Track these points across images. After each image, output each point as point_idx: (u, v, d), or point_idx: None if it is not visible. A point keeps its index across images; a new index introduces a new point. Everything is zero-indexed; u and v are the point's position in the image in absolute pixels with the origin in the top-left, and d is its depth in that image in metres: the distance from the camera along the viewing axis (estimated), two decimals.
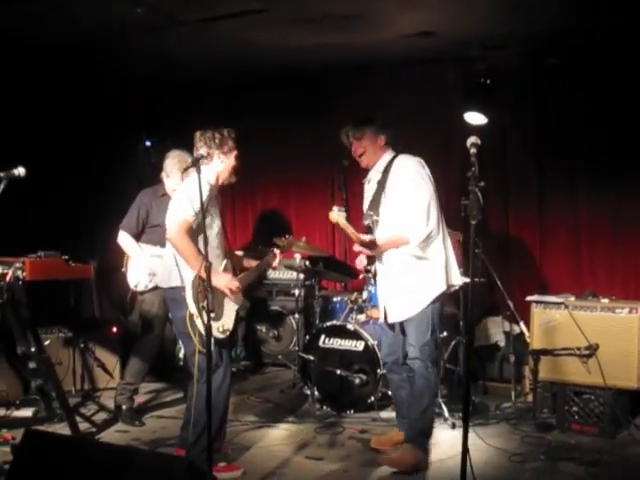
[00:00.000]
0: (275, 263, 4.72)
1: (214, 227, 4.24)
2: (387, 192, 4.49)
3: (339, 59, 6.70)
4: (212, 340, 3.72)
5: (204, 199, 3.79)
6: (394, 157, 4.58)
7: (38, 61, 6.45)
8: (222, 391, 4.23)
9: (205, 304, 3.74)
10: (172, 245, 4.15)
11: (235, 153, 4.38)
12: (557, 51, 6.27)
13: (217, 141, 4.30)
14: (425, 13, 5.56)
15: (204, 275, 3.73)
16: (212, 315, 3.76)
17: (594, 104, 6.27)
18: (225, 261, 4.26)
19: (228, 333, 4.19)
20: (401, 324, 4.53)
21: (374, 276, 4.65)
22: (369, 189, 4.68)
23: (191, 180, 4.09)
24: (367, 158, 4.63)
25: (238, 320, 4.52)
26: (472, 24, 5.75)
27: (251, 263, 4.65)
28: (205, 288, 3.77)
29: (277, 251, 4.72)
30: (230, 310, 4.25)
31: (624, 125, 6.14)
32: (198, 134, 4.35)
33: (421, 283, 4.42)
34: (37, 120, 6.99)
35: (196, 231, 4.07)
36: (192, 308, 4.00)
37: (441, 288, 4.46)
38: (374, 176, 4.64)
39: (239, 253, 4.90)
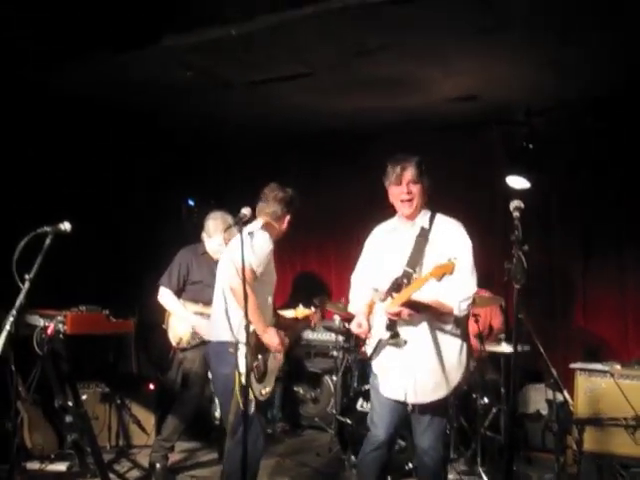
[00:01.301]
0: (315, 320, 4.67)
1: (269, 285, 4.26)
2: (438, 251, 3.90)
3: (384, 122, 6.78)
4: (253, 402, 3.78)
5: (268, 256, 4.00)
6: (433, 214, 4.15)
7: (91, 120, 6.64)
8: (254, 453, 4.15)
9: (256, 364, 3.89)
10: (234, 294, 4.10)
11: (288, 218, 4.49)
12: (603, 115, 6.24)
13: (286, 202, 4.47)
14: (468, 78, 5.62)
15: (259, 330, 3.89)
16: (257, 377, 3.94)
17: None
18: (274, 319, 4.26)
19: (267, 396, 4.15)
20: (415, 407, 3.94)
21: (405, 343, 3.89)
22: (397, 241, 4.09)
23: (258, 237, 4.23)
24: (413, 205, 4.02)
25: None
26: (516, 88, 5.79)
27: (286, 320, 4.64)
28: (257, 347, 3.87)
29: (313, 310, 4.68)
30: (272, 372, 4.21)
31: None
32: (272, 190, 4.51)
33: (457, 359, 3.93)
34: (83, 176, 7.13)
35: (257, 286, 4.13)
36: (242, 367, 3.90)
37: (467, 368, 4.04)
38: (407, 229, 4.06)
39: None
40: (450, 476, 5.40)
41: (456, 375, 3.91)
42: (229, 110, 6.47)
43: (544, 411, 6.04)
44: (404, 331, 3.86)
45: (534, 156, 6.15)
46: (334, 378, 6.61)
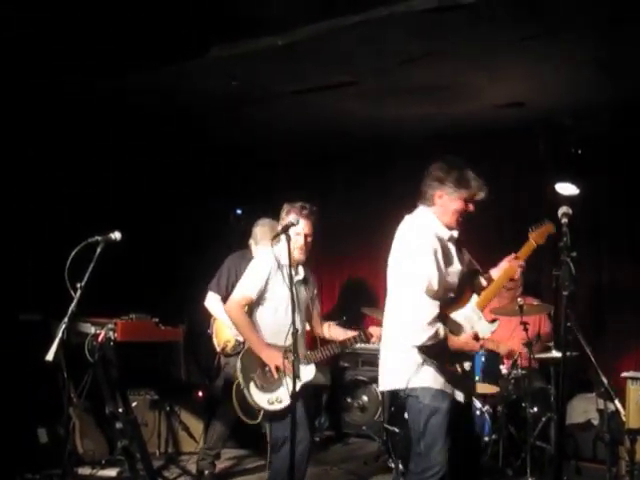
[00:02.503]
0: (375, 340, 4.56)
1: (276, 303, 4.29)
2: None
3: (430, 130, 6.77)
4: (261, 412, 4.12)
5: (271, 272, 4.16)
6: None
7: (142, 131, 6.76)
8: (277, 462, 4.23)
9: (254, 375, 4.16)
10: (228, 316, 4.39)
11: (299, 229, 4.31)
12: None
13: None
14: (514, 84, 5.59)
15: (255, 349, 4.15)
16: (262, 386, 4.15)
17: None
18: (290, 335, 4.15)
19: (282, 406, 4.16)
20: None
21: None
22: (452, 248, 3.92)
23: (261, 256, 4.42)
24: None
25: (312, 391, 4.49)
26: (562, 94, 5.73)
27: (347, 333, 4.60)
28: (256, 361, 4.19)
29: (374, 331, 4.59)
30: (289, 382, 4.18)
31: None
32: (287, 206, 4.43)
33: None
34: (135, 186, 7.25)
35: (256, 305, 4.32)
36: (240, 378, 4.19)
37: None
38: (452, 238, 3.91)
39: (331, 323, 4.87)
40: None
41: None
42: (274, 120, 6.52)
43: (595, 421, 5.94)
44: None
45: (582, 162, 6.08)
46: None
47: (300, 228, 4.27)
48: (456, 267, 3.78)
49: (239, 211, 7.69)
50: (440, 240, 3.72)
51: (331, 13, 4.47)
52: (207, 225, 7.69)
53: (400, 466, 5.45)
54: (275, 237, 4.16)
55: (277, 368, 4.17)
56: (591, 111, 6.07)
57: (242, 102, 5.96)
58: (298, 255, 4.32)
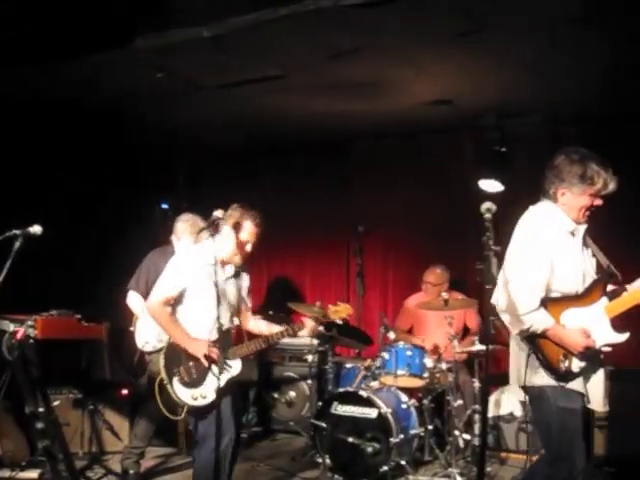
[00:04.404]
0: (304, 333, 4.59)
1: (201, 298, 4.22)
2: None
3: (358, 126, 6.81)
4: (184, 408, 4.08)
5: (195, 268, 4.08)
6: None
7: (62, 122, 6.57)
8: (200, 458, 4.17)
9: (178, 371, 4.11)
10: (150, 315, 4.30)
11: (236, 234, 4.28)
12: (574, 119, 6.31)
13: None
14: (441, 81, 5.64)
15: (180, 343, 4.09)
16: (186, 381, 4.10)
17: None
18: (215, 330, 4.12)
19: (206, 401, 4.13)
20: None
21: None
22: (576, 244, 3.68)
23: (184, 252, 4.37)
24: None
25: (238, 387, 4.41)
26: (489, 93, 5.82)
27: (272, 328, 4.58)
28: (180, 356, 4.12)
29: (307, 321, 4.60)
30: (214, 378, 4.16)
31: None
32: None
33: None
34: (58, 180, 7.07)
35: (180, 301, 4.25)
36: (163, 374, 4.15)
37: None
38: (579, 233, 3.69)
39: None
40: (424, 478, 5.41)
41: None
42: (201, 113, 6.43)
43: (518, 412, 6.07)
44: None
45: (506, 160, 6.19)
46: (309, 382, 6.59)
47: (249, 235, 4.26)
48: (576, 261, 3.58)
49: (165, 206, 7.57)
50: (556, 234, 3.57)
51: (259, 5, 4.43)
52: (133, 221, 7.55)
53: (327, 461, 5.46)
54: (200, 232, 4.12)
55: (206, 357, 4.12)
56: (517, 109, 6.20)
57: (168, 94, 5.86)
58: (238, 260, 4.33)
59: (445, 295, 5.82)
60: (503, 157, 6.22)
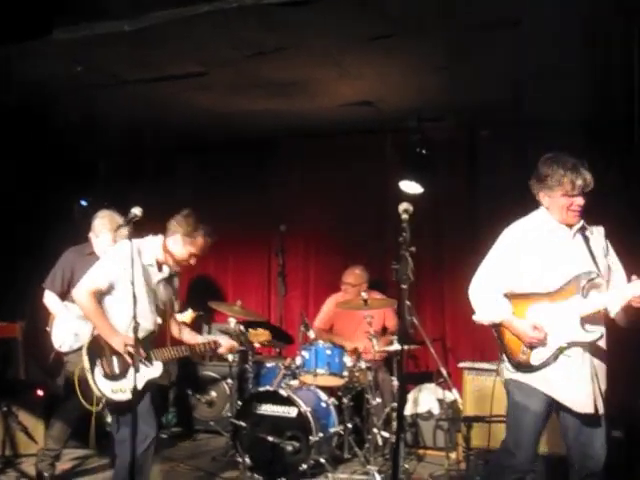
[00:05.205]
0: (222, 350, 4.64)
1: (127, 296, 4.16)
2: (609, 253, 3.82)
3: (281, 125, 6.80)
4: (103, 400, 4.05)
5: (127, 266, 3.94)
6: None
7: None
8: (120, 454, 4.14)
9: (101, 362, 4.07)
10: (77, 304, 4.22)
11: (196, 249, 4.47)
12: (489, 123, 6.46)
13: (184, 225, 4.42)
14: (363, 83, 5.69)
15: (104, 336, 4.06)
16: (107, 374, 4.08)
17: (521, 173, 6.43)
18: (133, 326, 4.05)
19: (125, 397, 4.08)
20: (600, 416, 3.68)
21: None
22: (560, 241, 3.75)
23: (117, 248, 4.25)
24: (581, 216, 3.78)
25: (157, 387, 4.39)
26: (410, 96, 5.91)
27: (196, 338, 4.61)
28: (104, 348, 4.09)
29: (224, 342, 4.64)
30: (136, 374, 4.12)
31: None
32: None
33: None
34: None
35: (106, 295, 4.21)
36: (85, 362, 4.09)
37: None
38: (565, 234, 3.76)
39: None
40: (343, 476, 5.46)
41: None
42: (121, 109, 6.32)
43: (436, 410, 6.19)
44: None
45: (427, 162, 6.29)
46: (229, 381, 6.57)
47: (198, 250, 4.42)
48: (557, 260, 3.66)
49: (84, 203, 7.41)
50: (532, 233, 3.76)
51: (182, 1, 4.39)
52: (50, 218, 7.36)
53: (247, 460, 5.45)
54: (118, 228, 4.08)
55: (128, 353, 4.08)
56: (437, 113, 6.31)
57: (87, 88, 5.73)
58: (179, 268, 4.46)
59: (364, 295, 5.88)
60: (424, 159, 6.32)
